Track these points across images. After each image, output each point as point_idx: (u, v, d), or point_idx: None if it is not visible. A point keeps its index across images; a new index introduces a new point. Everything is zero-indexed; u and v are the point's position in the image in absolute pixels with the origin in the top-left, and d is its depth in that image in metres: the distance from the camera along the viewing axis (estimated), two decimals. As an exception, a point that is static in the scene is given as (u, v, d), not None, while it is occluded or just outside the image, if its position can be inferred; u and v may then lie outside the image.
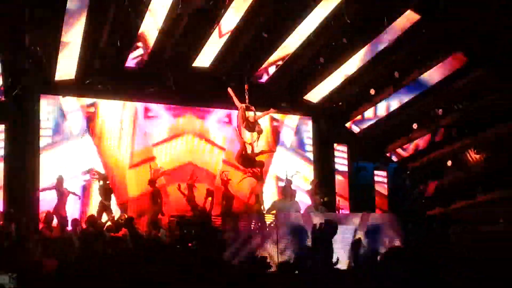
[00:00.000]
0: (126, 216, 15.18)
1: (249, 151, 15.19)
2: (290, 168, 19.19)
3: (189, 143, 18.40)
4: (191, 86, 17.48)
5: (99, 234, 13.79)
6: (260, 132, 15.00)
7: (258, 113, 14.99)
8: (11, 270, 10.12)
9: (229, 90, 14.81)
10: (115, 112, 17.68)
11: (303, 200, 16.95)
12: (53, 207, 15.24)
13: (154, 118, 18.17)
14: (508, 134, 16.78)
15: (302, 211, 15.43)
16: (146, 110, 18.09)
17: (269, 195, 17.49)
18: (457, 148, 18.26)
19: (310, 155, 19.85)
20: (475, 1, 13.38)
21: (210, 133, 18.58)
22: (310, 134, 19.96)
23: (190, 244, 14.24)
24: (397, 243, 14.10)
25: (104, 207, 15.99)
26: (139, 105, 17.97)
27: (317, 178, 18.14)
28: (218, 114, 18.61)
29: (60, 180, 15.62)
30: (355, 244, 7.42)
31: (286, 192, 16.24)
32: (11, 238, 12.71)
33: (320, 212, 15.15)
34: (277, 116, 19.23)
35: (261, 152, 15.99)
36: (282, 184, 17.84)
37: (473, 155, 17.94)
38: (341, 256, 12.83)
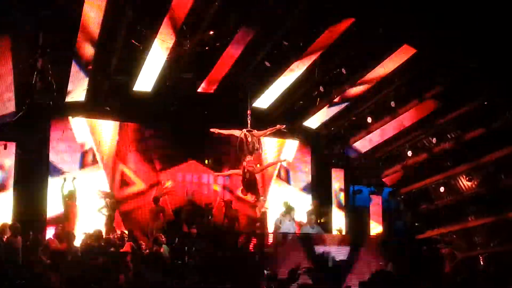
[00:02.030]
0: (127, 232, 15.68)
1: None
2: (290, 190, 19.77)
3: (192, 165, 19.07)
4: (195, 110, 18.03)
5: (103, 249, 14.23)
6: (259, 154, 15.23)
7: (263, 131, 15.18)
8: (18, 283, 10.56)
9: (214, 130, 14.48)
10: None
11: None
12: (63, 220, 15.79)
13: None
14: (501, 161, 17.21)
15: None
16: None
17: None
18: (450, 175, 18.70)
19: (309, 179, 20.42)
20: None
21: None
22: (309, 159, 20.53)
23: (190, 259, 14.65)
24: (389, 266, 14.43)
25: (109, 223, 16.48)
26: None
27: (315, 200, 18.59)
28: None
29: (70, 196, 16.17)
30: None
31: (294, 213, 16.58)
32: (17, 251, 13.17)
33: (316, 231, 15.48)
34: (278, 140, 19.80)
35: (266, 166, 16.28)
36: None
37: (465, 182, 18.37)
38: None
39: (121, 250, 14.32)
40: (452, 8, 12.67)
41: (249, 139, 14.23)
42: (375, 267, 13.51)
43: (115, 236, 15.63)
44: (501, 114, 15.90)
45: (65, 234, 14.49)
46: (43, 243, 13.85)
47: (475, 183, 18.10)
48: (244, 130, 14.34)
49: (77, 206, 16.36)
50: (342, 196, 20.59)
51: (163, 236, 15.45)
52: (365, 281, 6.58)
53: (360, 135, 19.14)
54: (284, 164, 19.70)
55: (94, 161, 17.73)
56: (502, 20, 12.64)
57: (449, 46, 14.22)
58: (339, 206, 20.46)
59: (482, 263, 16.57)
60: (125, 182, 18.16)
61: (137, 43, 14.23)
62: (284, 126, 14.24)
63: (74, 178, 16.57)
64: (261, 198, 17.34)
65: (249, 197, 16.95)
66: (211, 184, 19.06)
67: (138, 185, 18.32)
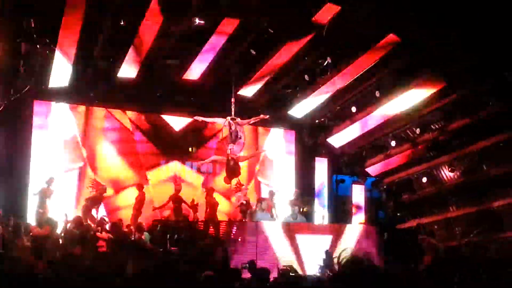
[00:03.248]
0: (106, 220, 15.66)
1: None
2: (274, 179, 19.82)
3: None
4: (179, 97, 18.00)
5: (84, 234, 14.19)
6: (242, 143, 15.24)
7: (247, 120, 15.16)
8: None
9: (197, 117, 14.72)
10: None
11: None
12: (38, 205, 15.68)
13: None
14: (483, 152, 17.35)
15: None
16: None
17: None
18: (433, 165, 18.84)
19: (292, 167, 20.47)
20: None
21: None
22: (293, 147, 20.59)
23: (172, 248, 14.66)
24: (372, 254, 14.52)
25: (89, 210, 16.43)
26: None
27: (298, 189, 18.67)
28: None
29: (50, 181, 16.05)
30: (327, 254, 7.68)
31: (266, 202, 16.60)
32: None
33: (299, 221, 15.54)
34: (261, 129, 19.80)
35: (249, 156, 16.32)
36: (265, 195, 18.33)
37: (447, 172, 18.51)
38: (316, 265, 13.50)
39: (102, 237, 14.28)
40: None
41: (233, 127, 14.25)
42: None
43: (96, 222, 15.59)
44: (484, 105, 16.00)
45: (45, 220, 14.39)
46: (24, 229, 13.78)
47: (457, 173, 18.24)
48: (228, 118, 14.37)
49: (52, 192, 16.19)
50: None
51: (143, 224, 15.48)
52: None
53: (344, 124, 19.16)
54: (267, 154, 19.69)
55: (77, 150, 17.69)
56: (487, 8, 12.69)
57: (434, 35, 14.24)
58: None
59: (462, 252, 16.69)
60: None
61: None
62: (268, 116, 14.26)
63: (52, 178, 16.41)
64: (243, 187, 17.44)
65: (231, 185, 17.10)
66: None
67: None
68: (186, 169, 19.02)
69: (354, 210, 20.59)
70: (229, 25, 14.39)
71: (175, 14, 13.73)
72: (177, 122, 19.07)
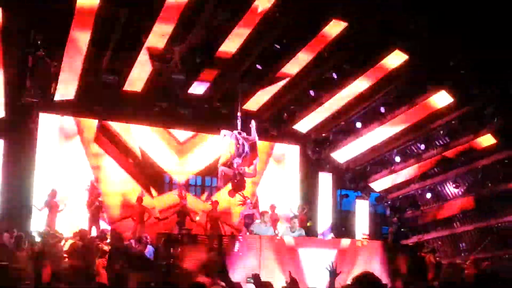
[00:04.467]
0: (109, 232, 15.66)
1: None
2: (276, 194, 19.85)
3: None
4: (185, 111, 18.05)
5: (87, 248, 14.20)
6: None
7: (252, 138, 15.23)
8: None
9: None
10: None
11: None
12: (45, 220, 15.74)
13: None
14: (487, 169, 17.35)
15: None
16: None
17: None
18: (437, 182, 18.83)
19: (297, 182, 20.47)
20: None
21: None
22: (297, 162, 20.59)
23: (172, 261, 14.63)
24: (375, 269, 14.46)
25: (93, 221, 16.46)
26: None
27: (302, 204, 18.65)
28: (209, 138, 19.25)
29: (53, 194, 16.12)
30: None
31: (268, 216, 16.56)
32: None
33: (297, 235, 15.43)
34: (266, 143, 19.84)
35: (255, 173, 16.34)
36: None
37: (452, 188, 18.49)
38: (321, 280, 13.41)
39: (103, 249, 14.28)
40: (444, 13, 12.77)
41: (240, 141, 14.33)
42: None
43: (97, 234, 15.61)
44: (489, 121, 16.02)
45: (50, 235, 14.42)
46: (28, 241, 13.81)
47: (462, 189, 18.23)
48: (235, 132, 14.44)
49: (56, 204, 16.24)
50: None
51: (147, 236, 15.45)
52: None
53: (348, 139, 19.16)
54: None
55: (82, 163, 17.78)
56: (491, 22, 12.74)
57: (441, 51, 14.29)
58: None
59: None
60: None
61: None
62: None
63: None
64: (248, 200, 17.43)
65: (237, 199, 17.14)
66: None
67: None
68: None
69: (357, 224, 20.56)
70: (235, 41, 14.43)
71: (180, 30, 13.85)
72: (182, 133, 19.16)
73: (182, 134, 19.21)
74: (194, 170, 19.24)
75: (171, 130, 19.08)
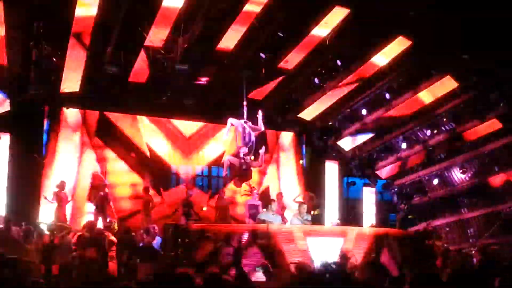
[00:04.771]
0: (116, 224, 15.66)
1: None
2: (283, 183, 19.84)
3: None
4: (190, 101, 17.98)
5: (95, 239, 14.24)
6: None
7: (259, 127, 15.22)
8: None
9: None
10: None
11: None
12: (54, 212, 15.79)
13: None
14: (494, 154, 17.31)
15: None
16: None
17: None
18: (444, 167, 18.80)
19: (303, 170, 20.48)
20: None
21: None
22: (303, 150, 20.58)
23: (181, 250, 14.64)
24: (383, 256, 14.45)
25: (100, 213, 16.49)
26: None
27: (309, 192, 18.66)
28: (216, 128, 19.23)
29: (61, 185, 16.17)
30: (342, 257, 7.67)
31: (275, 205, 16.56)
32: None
33: (305, 221, 15.39)
34: (272, 132, 19.80)
35: (262, 163, 16.31)
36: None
37: (459, 174, 18.46)
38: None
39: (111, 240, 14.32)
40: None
41: (246, 130, 14.36)
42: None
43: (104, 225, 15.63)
44: (494, 107, 15.97)
45: (58, 228, 14.46)
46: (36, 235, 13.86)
47: (469, 175, 18.21)
48: (242, 121, 14.45)
49: (66, 195, 16.31)
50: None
51: (155, 227, 15.46)
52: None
53: (354, 127, 19.13)
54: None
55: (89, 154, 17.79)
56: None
57: (445, 36, 14.23)
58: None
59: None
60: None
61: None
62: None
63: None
64: (254, 191, 17.39)
65: (243, 188, 17.11)
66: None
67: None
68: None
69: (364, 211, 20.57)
70: (239, 28, 14.38)
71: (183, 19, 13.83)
72: (187, 127, 19.15)
73: (188, 128, 19.16)
74: (201, 162, 19.22)
75: (177, 125, 19.01)
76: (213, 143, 19.34)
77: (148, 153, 18.50)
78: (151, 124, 18.74)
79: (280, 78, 17.01)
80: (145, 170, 18.42)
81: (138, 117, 18.57)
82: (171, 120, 18.96)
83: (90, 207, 17.08)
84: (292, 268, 11.52)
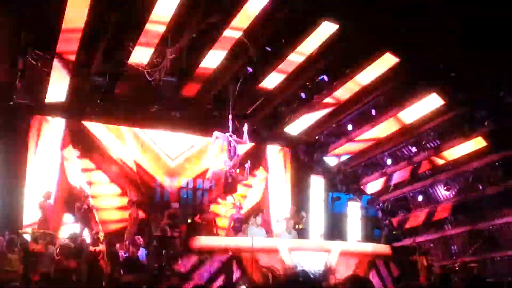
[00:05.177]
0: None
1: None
2: (269, 196, 19.83)
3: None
4: (176, 114, 18.02)
5: (78, 250, 14.18)
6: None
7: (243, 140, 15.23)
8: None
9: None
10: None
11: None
12: (38, 221, 15.60)
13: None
14: (477, 171, 17.39)
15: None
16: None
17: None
18: (428, 184, 18.87)
19: (288, 184, 20.46)
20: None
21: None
22: (289, 164, 20.59)
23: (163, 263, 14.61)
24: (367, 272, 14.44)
25: (84, 224, 16.38)
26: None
27: (293, 206, 18.66)
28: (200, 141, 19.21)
29: (47, 196, 16.03)
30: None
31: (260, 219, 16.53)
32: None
33: (292, 237, 15.43)
34: (258, 145, 19.79)
35: (247, 177, 16.28)
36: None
37: (443, 191, 18.53)
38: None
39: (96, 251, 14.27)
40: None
41: (232, 144, 14.39)
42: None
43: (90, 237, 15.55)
44: (479, 124, 16.06)
45: (41, 235, 14.37)
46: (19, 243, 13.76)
47: (453, 192, 18.28)
48: (227, 134, 14.48)
49: (51, 205, 16.18)
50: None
51: (140, 239, 15.42)
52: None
53: (340, 142, 19.14)
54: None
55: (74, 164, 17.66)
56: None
57: (432, 54, 14.32)
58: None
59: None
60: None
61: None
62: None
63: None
64: (237, 203, 17.39)
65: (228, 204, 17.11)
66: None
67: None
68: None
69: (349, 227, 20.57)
70: (226, 43, 14.41)
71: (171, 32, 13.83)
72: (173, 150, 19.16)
73: (173, 151, 19.15)
74: (186, 175, 19.17)
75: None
76: (198, 156, 19.27)
77: (133, 167, 18.42)
78: (134, 141, 18.66)
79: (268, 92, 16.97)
80: (129, 183, 18.32)
81: (124, 130, 18.50)
82: (156, 143, 18.87)
83: (69, 218, 16.99)
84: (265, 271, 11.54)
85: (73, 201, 16.86)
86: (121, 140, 18.45)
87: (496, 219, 17.43)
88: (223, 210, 18.59)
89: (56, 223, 16.62)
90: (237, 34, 14.07)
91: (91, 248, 14.30)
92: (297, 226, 16.55)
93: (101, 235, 15.85)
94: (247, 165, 14.97)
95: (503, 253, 17.31)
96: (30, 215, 16.19)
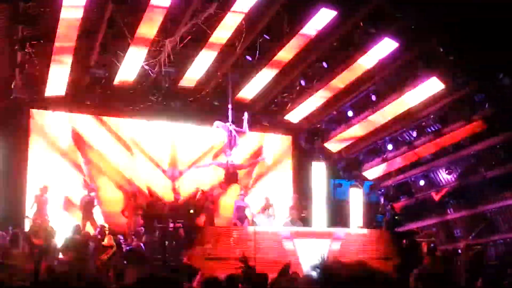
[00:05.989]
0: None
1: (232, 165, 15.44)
2: (270, 184, 19.82)
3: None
4: (176, 104, 17.99)
5: (84, 242, 14.23)
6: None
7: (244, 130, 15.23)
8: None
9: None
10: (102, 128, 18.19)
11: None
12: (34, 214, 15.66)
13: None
14: (479, 154, 17.38)
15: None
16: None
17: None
18: (430, 168, 18.86)
19: (290, 172, 20.47)
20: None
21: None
22: (290, 152, 20.59)
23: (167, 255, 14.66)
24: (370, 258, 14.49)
25: (87, 217, 16.41)
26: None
27: (296, 194, 18.66)
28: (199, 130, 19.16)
29: (44, 189, 16.05)
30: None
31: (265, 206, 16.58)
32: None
33: (297, 226, 15.51)
34: (259, 134, 19.79)
35: (249, 165, 16.26)
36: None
37: (444, 175, 18.52)
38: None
39: (104, 244, 14.33)
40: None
41: (232, 134, 14.40)
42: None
43: (96, 230, 15.58)
44: (479, 108, 16.04)
45: (42, 230, 14.41)
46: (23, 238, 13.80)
47: (455, 175, 18.27)
48: (228, 124, 14.47)
49: (47, 200, 16.19)
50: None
51: (143, 230, 15.47)
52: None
53: (340, 129, 19.13)
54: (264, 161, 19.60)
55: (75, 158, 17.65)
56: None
57: (431, 36, 14.28)
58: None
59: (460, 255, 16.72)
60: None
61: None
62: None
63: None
64: (241, 192, 17.41)
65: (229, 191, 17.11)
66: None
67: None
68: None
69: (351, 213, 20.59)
70: (225, 31, 14.36)
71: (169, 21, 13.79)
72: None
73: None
74: (186, 164, 19.14)
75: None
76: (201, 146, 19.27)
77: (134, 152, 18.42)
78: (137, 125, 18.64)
79: (267, 80, 16.94)
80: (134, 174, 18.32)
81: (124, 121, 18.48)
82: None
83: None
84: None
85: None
86: (121, 131, 18.40)
87: (498, 202, 17.42)
88: (227, 199, 18.57)
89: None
90: (235, 23, 14.04)
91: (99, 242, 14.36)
92: (300, 214, 16.60)
93: (107, 228, 15.93)
94: (248, 153, 14.96)
95: (505, 235, 17.33)
96: (31, 209, 16.12)
